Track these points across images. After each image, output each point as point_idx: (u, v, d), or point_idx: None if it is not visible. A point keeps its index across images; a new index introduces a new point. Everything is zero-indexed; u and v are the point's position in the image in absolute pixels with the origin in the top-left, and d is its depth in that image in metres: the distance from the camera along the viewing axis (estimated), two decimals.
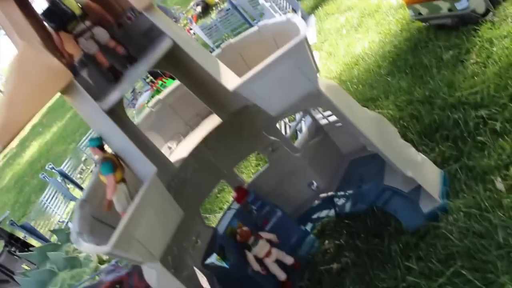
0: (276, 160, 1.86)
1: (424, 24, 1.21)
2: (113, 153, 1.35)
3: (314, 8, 2.11)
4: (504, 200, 0.70)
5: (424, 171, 0.79)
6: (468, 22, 1.09)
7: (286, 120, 1.83)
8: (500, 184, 0.74)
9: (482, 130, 0.84)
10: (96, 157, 1.49)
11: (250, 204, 1.88)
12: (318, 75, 1.21)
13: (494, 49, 0.97)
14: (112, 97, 1.44)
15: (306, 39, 1.21)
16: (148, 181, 1.30)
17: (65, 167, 6.65)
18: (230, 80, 1.41)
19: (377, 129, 0.78)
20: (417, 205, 0.82)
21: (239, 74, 1.42)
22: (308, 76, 1.28)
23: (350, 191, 1.02)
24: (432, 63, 1.12)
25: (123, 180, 1.46)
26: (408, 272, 0.84)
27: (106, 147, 1.13)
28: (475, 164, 0.81)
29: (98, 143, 1.47)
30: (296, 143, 1.75)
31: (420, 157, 0.80)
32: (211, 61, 1.46)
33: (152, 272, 1.14)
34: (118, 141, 1.42)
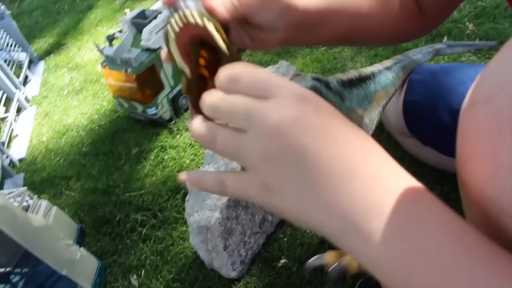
0: None
1: (127, 112, 1.25)
2: None
3: (47, 54, 1.94)
4: None
5: (81, 266, 0.81)
6: (158, 123, 1.22)
7: None
8: (135, 281, 0.86)
9: (136, 232, 0.95)
10: None
11: None
12: None
13: (166, 156, 1.11)
14: None
15: None
16: None
17: None
18: None
19: (33, 237, 0.73)
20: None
21: None
22: None
23: (26, 269, 0.93)
24: (122, 155, 1.17)
25: None
26: None
27: None
28: (124, 261, 0.91)
29: None
30: None
31: (80, 253, 0.83)
32: None
33: None
34: None
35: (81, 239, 1.02)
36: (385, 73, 0.76)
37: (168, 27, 0.36)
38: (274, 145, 0.29)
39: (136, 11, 1.25)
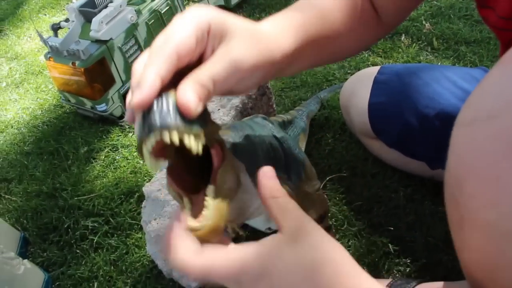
0: None
1: (74, 108, 1.14)
2: None
3: None
4: None
5: (25, 281, 0.73)
6: (108, 120, 1.14)
7: None
8: None
9: (86, 240, 0.87)
10: None
11: None
12: None
13: (117, 156, 1.04)
14: None
15: None
16: None
17: None
18: None
19: None
20: None
21: None
22: None
23: None
24: (69, 155, 1.08)
25: None
26: None
27: None
28: (74, 273, 0.84)
29: None
30: None
31: (24, 266, 0.75)
32: None
33: None
34: None
35: (24, 250, 0.93)
36: (298, 120, 0.86)
37: (144, 146, 0.35)
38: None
39: None
